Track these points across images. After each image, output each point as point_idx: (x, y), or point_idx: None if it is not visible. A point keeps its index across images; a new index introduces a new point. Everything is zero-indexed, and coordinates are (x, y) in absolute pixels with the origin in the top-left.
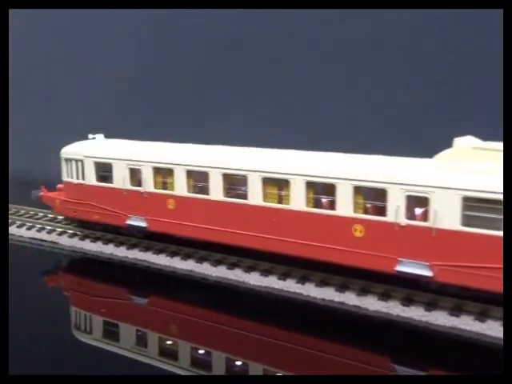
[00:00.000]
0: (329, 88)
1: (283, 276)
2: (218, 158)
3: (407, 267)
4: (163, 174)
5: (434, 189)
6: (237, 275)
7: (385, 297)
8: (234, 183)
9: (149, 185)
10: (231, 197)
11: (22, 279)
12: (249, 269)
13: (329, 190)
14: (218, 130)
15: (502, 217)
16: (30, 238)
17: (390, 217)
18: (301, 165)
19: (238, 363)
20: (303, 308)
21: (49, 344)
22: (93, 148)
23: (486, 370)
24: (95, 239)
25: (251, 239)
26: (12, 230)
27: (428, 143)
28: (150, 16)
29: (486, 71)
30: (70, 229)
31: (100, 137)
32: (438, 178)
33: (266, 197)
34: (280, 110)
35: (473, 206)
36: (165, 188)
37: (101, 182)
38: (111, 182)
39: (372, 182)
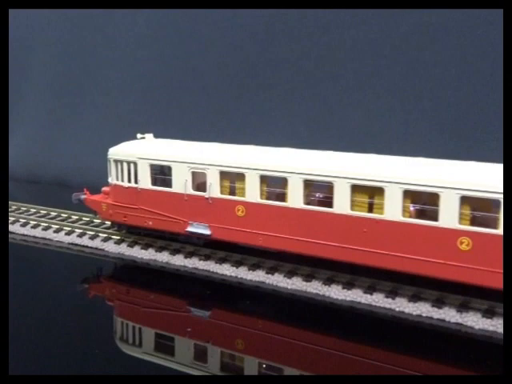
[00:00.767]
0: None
1: (369, 289)
2: (299, 163)
3: None
4: (232, 178)
5: None
6: (315, 288)
7: (489, 314)
8: (317, 190)
9: (215, 190)
10: (313, 204)
11: (60, 287)
12: (327, 281)
13: (430, 199)
14: (257, 130)
15: None
16: (70, 244)
17: (500, 229)
18: (397, 172)
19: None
20: (394, 325)
21: (91, 357)
22: (148, 149)
23: None
24: (146, 246)
25: (336, 250)
26: (49, 234)
27: None
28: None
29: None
30: (114, 234)
31: (150, 136)
32: None
33: (354, 205)
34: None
35: None
36: (233, 194)
37: (157, 185)
38: (169, 186)
39: (482, 191)
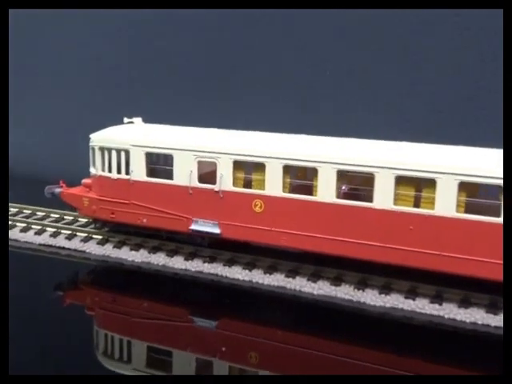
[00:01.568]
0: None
1: (411, 294)
2: (332, 151)
3: None
4: (247, 169)
5: None
6: (347, 293)
7: None
8: (352, 182)
9: (227, 182)
10: (347, 199)
11: (28, 296)
12: (360, 284)
13: (491, 192)
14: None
15: None
16: (42, 245)
17: None
18: (452, 161)
19: None
20: (446, 337)
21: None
22: (143, 135)
23: None
24: (136, 247)
25: (376, 250)
26: (15, 234)
27: None
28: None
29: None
30: (96, 233)
31: (138, 121)
32: None
33: (398, 199)
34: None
35: None
36: (248, 186)
37: (154, 177)
38: (170, 178)
39: None
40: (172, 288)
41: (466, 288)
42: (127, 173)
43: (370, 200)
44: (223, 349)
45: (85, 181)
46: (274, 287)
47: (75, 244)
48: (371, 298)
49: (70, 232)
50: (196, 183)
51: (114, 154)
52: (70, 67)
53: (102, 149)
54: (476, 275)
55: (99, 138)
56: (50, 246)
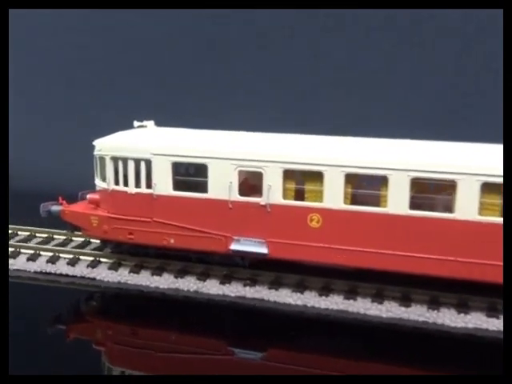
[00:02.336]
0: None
1: (492, 312)
2: (405, 157)
3: None
4: (298, 178)
5: None
6: (421, 314)
7: None
8: (426, 191)
9: (276, 194)
10: (423, 209)
11: (25, 331)
12: (432, 304)
13: None
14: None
15: None
16: (37, 273)
17: None
18: None
19: None
20: None
21: None
22: (167, 141)
23: None
24: (158, 270)
25: (457, 266)
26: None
27: None
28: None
29: None
30: (104, 256)
31: (151, 124)
32: None
33: (483, 209)
34: None
35: None
36: (300, 198)
37: (182, 190)
38: (203, 191)
39: None
40: (206, 316)
41: None
42: (148, 186)
43: (451, 211)
44: None
45: (91, 196)
46: (333, 311)
47: (81, 270)
48: (450, 318)
49: (71, 256)
50: (237, 196)
51: (131, 164)
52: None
53: (115, 158)
54: None
55: (110, 145)
56: (49, 273)
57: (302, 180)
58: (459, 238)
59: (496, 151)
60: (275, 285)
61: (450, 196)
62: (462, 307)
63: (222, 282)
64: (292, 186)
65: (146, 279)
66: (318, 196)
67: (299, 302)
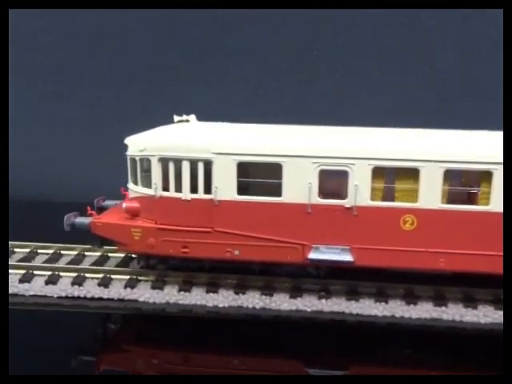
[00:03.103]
0: None
1: None
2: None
3: None
4: (387, 177)
5: None
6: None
7: None
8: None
9: (363, 195)
10: None
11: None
12: None
13: None
14: None
15: None
16: (62, 298)
17: None
18: None
19: None
20: None
21: None
22: (231, 138)
23: None
24: (213, 287)
25: None
26: (13, 285)
27: None
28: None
29: None
30: (141, 274)
31: (193, 119)
32: None
33: None
34: None
35: None
36: (389, 199)
37: (249, 194)
38: (276, 195)
39: None
40: (275, 336)
41: None
42: (208, 191)
43: None
44: None
45: (129, 205)
46: (425, 320)
47: (118, 291)
48: None
49: (101, 275)
50: (317, 199)
51: (185, 166)
52: None
53: (163, 160)
54: None
55: (158, 144)
56: (77, 297)
57: (393, 179)
58: None
59: None
60: (354, 295)
61: None
62: None
63: (293, 296)
64: (381, 185)
65: (200, 297)
66: (413, 196)
67: (386, 313)
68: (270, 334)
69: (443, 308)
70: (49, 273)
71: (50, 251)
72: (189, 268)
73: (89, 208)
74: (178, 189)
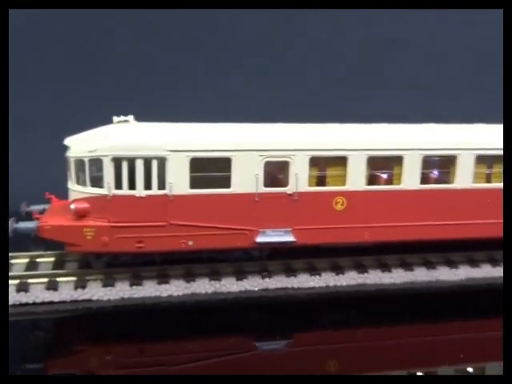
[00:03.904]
0: None
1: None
2: (417, 138)
3: None
4: (321, 165)
5: None
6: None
7: None
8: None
9: (302, 182)
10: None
11: None
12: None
13: None
14: None
15: None
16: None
17: None
18: None
19: None
20: None
21: None
22: (183, 136)
23: None
24: (164, 278)
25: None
26: None
27: None
28: None
29: None
30: (81, 275)
31: (131, 119)
32: None
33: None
34: None
35: None
36: (322, 184)
37: (200, 188)
38: (225, 187)
39: None
40: (225, 317)
41: None
42: (161, 187)
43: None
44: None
45: (77, 206)
46: (353, 286)
47: (69, 294)
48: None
49: (45, 280)
50: (262, 188)
51: (139, 164)
52: None
53: (116, 159)
54: None
55: (108, 144)
56: (24, 304)
57: (324, 167)
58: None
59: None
60: (291, 272)
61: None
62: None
63: (239, 278)
64: (316, 173)
65: (153, 289)
66: (342, 180)
67: (322, 284)
68: (223, 316)
69: (365, 274)
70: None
71: None
72: (135, 264)
73: (34, 213)
74: (132, 186)
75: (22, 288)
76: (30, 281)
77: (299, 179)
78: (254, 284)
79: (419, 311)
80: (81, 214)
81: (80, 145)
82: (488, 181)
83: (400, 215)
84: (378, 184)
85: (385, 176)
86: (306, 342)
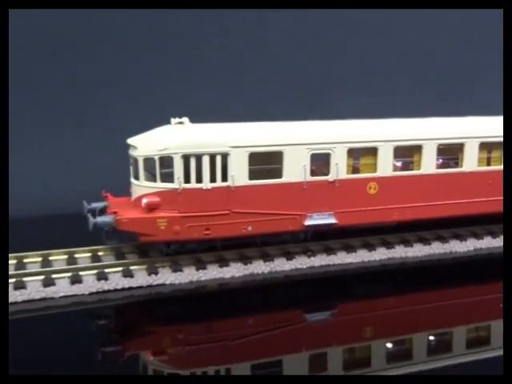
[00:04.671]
0: None
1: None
2: (434, 129)
3: None
4: (355, 156)
5: None
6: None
7: None
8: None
9: (342, 170)
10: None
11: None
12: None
13: None
14: None
15: None
16: (93, 294)
17: None
18: None
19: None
20: None
21: None
22: (242, 134)
23: None
24: (224, 262)
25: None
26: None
27: None
28: None
29: None
30: (159, 261)
31: (186, 121)
32: None
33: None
34: None
35: None
36: (357, 172)
37: (257, 179)
38: (278, 177)
39: None
40: (282, 293)
41: None
42: (224, 179)
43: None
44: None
45: (149, 199)
46: (384, 260)
47: (145, 279)
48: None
49: (122, 268)
50: (309, 177)
51: (205, 159)
52: None
53: (186, 156)
54: None
55: (178, 143)
56: (105, 291)
57: (358, 157)
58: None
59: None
60: (330, 251)
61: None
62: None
63: (289, 258)
64: (351, 162)
65: (216, 272)
66: (374, 168)
67: (358, 260)
68: (278, 292)
69: (392, 250)
70: (69, 274)
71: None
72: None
73: (109, 208)
74: (199, 180)
75: (102, 277)
76: (106, 270)
77: (339, 168)
78: (302, 263)
79: (439, 279)
80: (152, 207)
81: (147, 144)
82: (488, 164)
83: (421, 196)
84: (401, 170)
85: (406, 163)
86: (348, 312)
